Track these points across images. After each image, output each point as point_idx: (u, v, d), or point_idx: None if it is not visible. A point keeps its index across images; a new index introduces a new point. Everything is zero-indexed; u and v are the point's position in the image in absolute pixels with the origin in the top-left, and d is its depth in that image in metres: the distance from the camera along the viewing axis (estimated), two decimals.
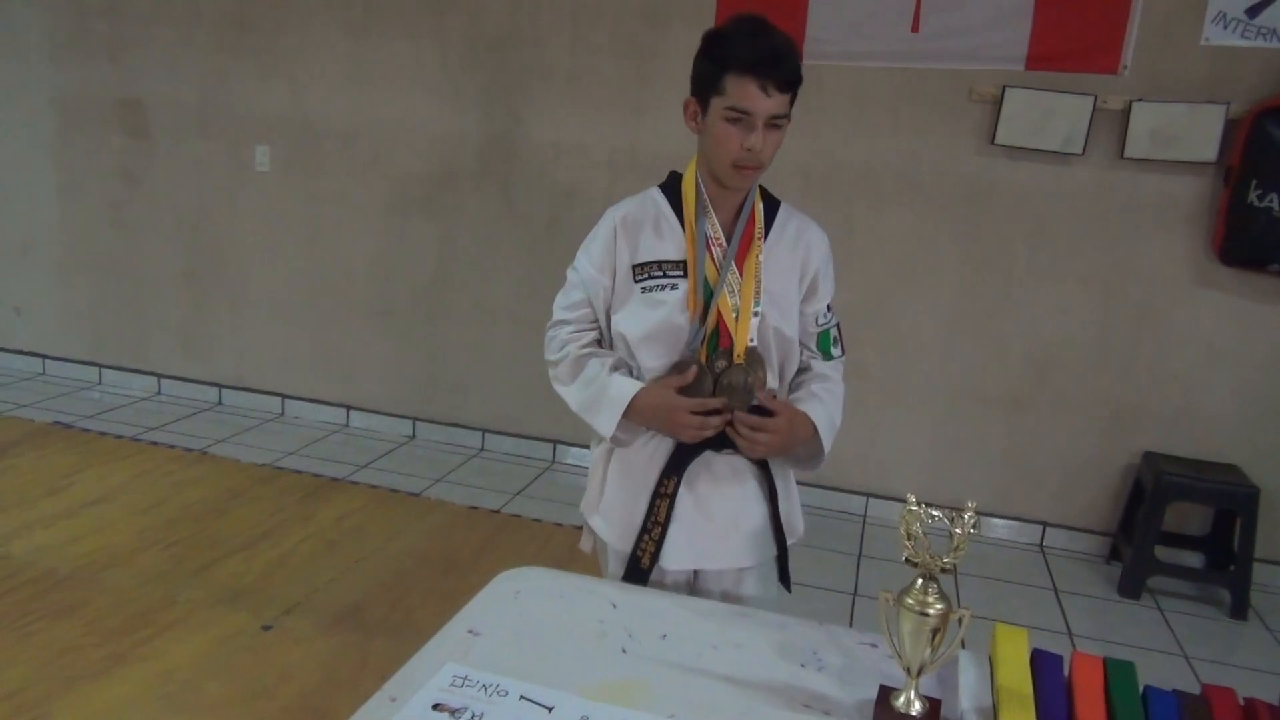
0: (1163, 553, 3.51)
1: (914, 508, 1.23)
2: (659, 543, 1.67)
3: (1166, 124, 3.42)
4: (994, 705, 1.24)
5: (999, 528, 3.88)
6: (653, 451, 1.68)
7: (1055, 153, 3.55)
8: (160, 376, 4.91)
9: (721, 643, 1.41)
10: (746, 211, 1.66)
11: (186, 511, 3.50)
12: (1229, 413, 3.59)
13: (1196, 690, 1.30)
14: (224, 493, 3.69)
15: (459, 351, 4.44)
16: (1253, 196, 3.28)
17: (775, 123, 1.54)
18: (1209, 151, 3.40)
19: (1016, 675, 1.26)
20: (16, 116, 4.84)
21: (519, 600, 1.50)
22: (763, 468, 1.71)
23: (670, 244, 1.65)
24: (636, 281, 1.65)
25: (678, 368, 1.63)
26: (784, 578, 1.80)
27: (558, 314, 1.76)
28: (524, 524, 3.66)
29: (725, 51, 1.53)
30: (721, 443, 1.64)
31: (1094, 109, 3.47)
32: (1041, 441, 3.80)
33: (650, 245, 1.65)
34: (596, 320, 1.74)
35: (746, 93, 1.51)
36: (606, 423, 1.63)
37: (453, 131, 4.24)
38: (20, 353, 5.13)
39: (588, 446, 4.35)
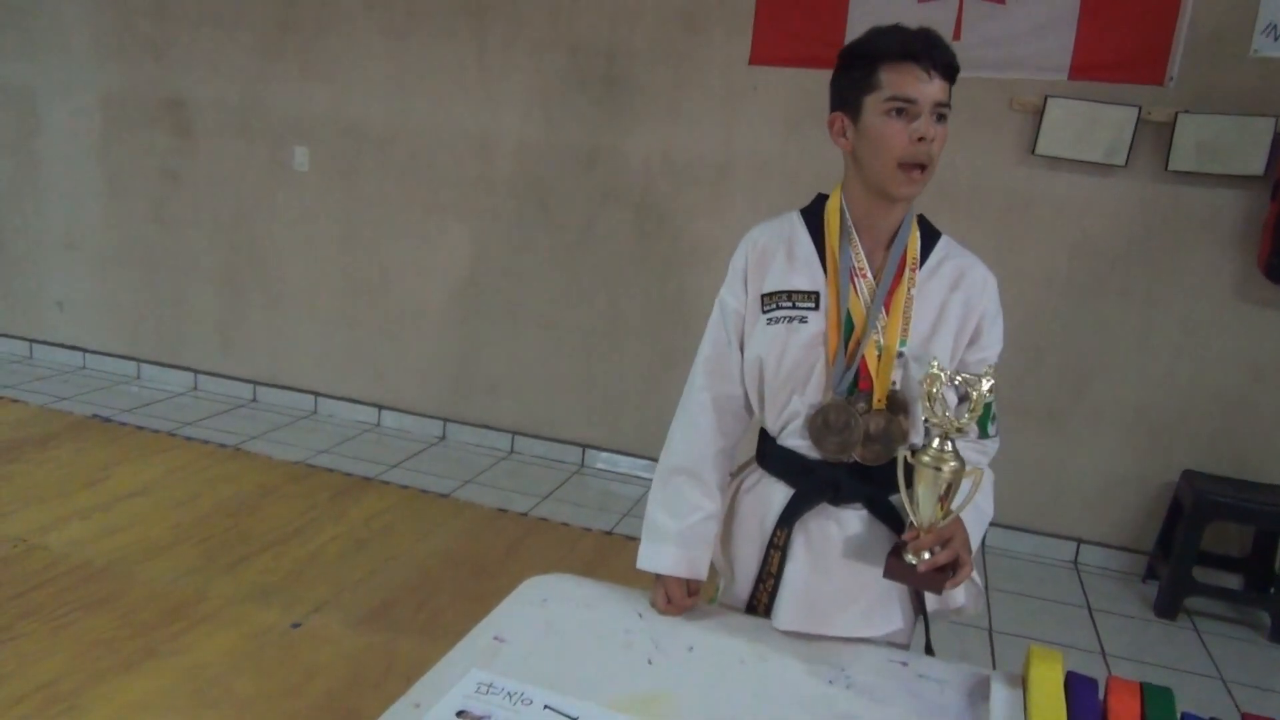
0: (1200, 573, 3.43)
1: (936, 371, 1.30)
2: (772, 595, 1.53)
3: (1213, 136, 3.35)
4: None
5: (1032, 543, 3.83)
6: (769, 500, 1.54)
7: (1098, 164, 3.50)
8: (197, 372, 4.98)
9: (749, 657, 1.40)
10: (902, 239, 1.48)
11: (220, 507, 3.54)
12: (1272, 432, 3.51)
13: (1235, 717, 1.27)
14: (256, 489, 3.73)
15: (491, 354, 4.46)
16: None
17: (941, 111, 1.39)
18: (1256, 165, 3.33)
19: (1050, 699, 1.24)
20: (63, 114, 4.94)
21: (545, 607, 1.50)
22: (897, 528, 1.47)
23: (803, 273, 1.49)
24: (764, 312, 1.49)
25: (821, 414, 1.46)
26: (928, 651, 1.55)
27: (709, 379, 1.58)
28: (552, 527, 3.67)
29: (876, 45, 1.41)
30: (839, 496, 1.49)
31: (1138, 120, 3.41)
32: (1077, 456, 3.74)
33: (781, 273, 1.50)
34: (730, 369, 1.56)
35: (907, 78, 1.37)
36: (642, 558, 1.55)
37: (490, 135, 4.26)
38: (62, 346, 5.22)
39: (617, 451, 4.36)
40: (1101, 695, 1.28)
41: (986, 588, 3.50)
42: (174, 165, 4.79)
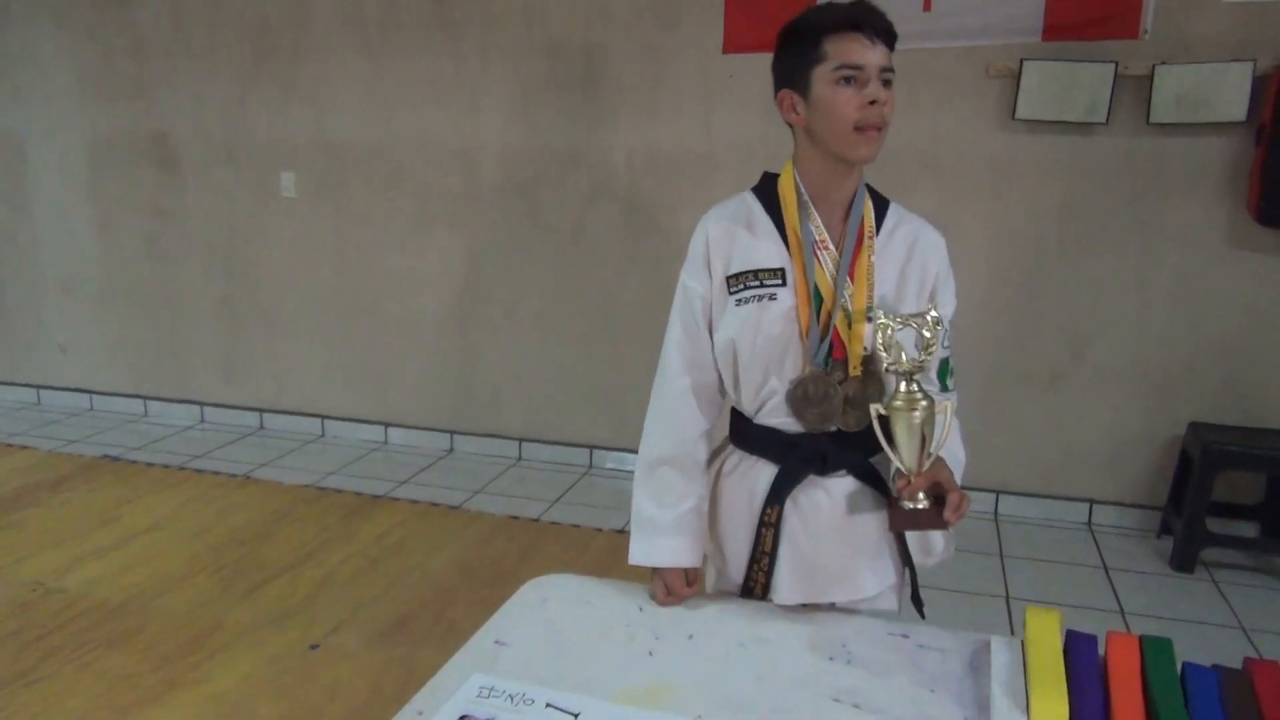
0: (1215, 524, 3.42)
1: (885, 320, 1.38)
2: (769, 573, 1.54)
3: (1193, 86, 3.34)
4: (1025, 689, 1.21)
5: (1044, 507, 3.82)
6: (755, 479, 1.56)
7: (1079, 124, 3.49)
8: (203, 405, 5.01)
9: (749, 640, 1.41)
10: (857, 209, 1.52)
11: (233, 536, 3.56)
12: (1276, 377, 3.50)
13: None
14: (268, 515, 3.75)
15: (492, 362, 4.47)
16: None
17: (886, 77, 1.42)
18: (1238, 111, 3.31)
19: (1049, 658, 1.24)
20: (50, 158, 4.97)
21: (545, 608, 1.50)
22: (881, 488, 1.54)
23: (766, 250, 1.51)
24: (732, 294, 1.51)
25: (801, 386, 1.48)
26: (915, 601, 1.65)
27: (670, 354, 1.59)
28: (564, 531, 3.68)
29: (818, 19, 1.44)
30: (825, 466, 1.52)
31: (1116, 76, 3.39)
32: (1083, 418, 3.73)
33: (744, 254, 1.51)
34: (702, 354, 1.57)
35: (853, 46, 1.40)
36: (635, 554, 1.57)
37: (473, 144, 4.27)
38: (68, 389, 5.25)
39: (624, 449, 4.35)
40: (1102, 651, 1.28)
41: (1001, 555, 3.49)
42: (164, 200, 4.82)
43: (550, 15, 4.04)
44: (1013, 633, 2.94)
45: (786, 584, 1.53)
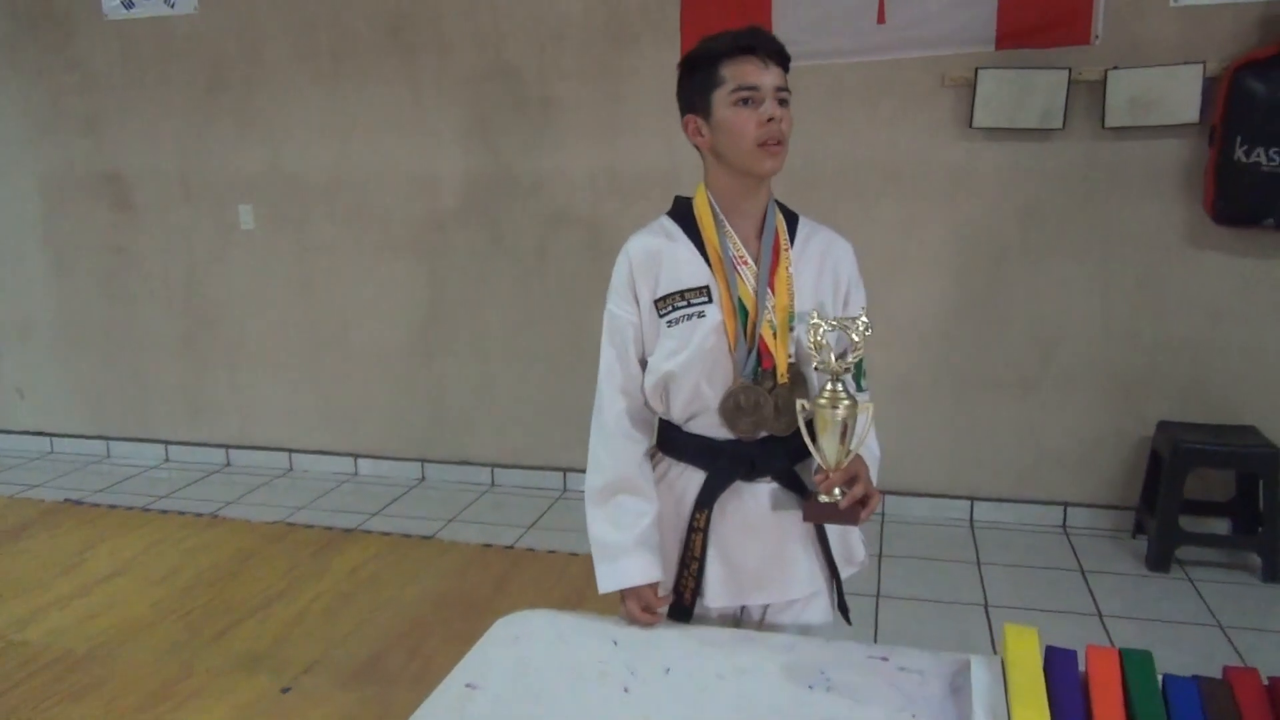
0: (1188, 522, 3.44)
1: (816, 320, 1.45)
2: (698, 578, 1.60)
3: (1145, 89, 3.38)
4: (1007, 708, 1.19)
5: (1019, 512, 3.82)
6: (684, 486, 1.62)
7: (1035, 130, 3.52)
8: (167, 443, 4.91)
9: (727, 671, 1.38)
10: (770, 224, 1.60)
11: (200, 578, 3.48)
12: (1240, 373, 3.53)
13: (1233, 663, 1.25)
14: (236, 555, 3.68)
15: (461, 388, 4.43)
16: (1239, 153, 3.23)
17: (781, 96, 1.52)
18: (1191, 113, 3.36)
19: (1029, 678, 1.22)
20: (2, 200, 4.87)
21: (518, 646, 1.47)
22: (804, 493, 1.61)
23: (690, 271, 1.57)
24: (661, 316, 1.57)
25: (733, 397, 1.54)
26: (841, 608, 1.72)
27: (605, 384, 1.65)
28: (538, 557, 3.63)
29: (715, 47, 1.53)
30: (752, 472, 1.58)
31: (1070, 82, 3.43)
32: (1053, 421, 3.75)
33: (669, 276, 1.58)
34: (632, 380, 1.63)
35: (748, 69, 1.50)
36: (603, 583, 1.58)
37: (433, 171, 4.24)
38: (27, 433, 5.14)
39: None
40: (1082, 666, 1.27)
41: (979, 563, 3.49)
42: (119, 239, 4.74)
43: (505, 40, 4.03)
44: (993, 642, 2.93)
45: (715, 587, 1.60)
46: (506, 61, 4.05)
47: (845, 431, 1.44)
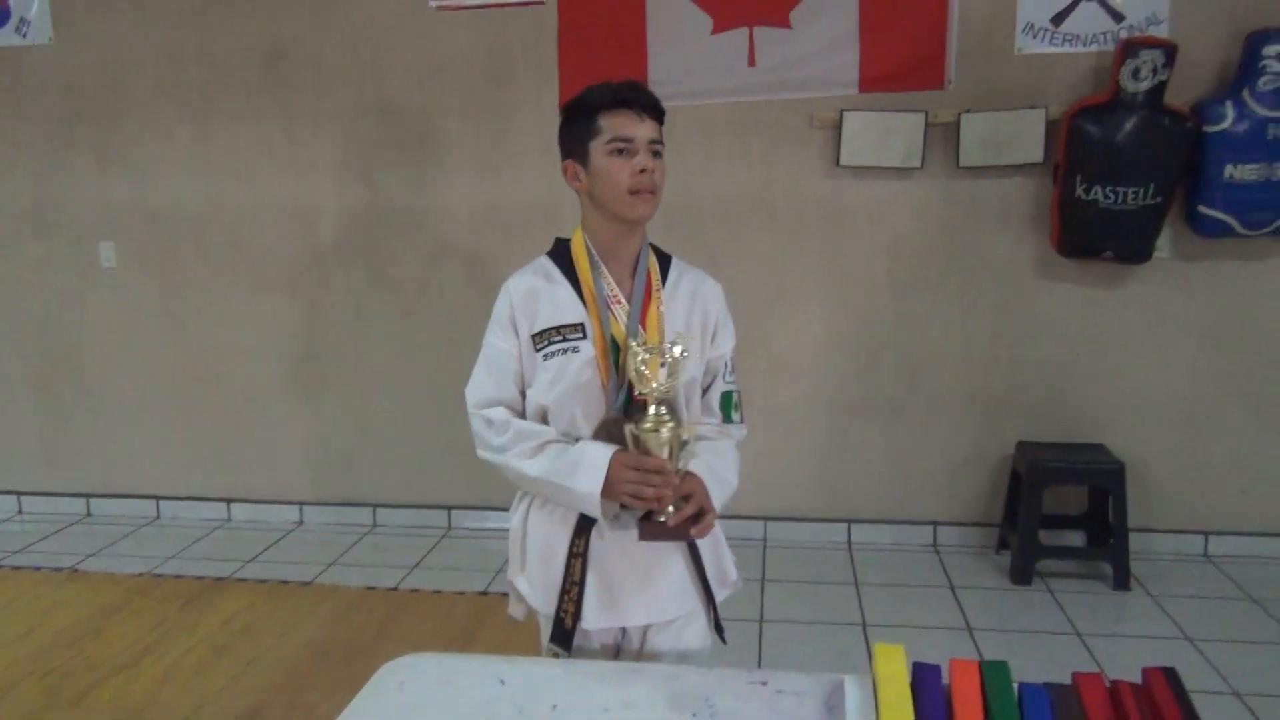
0: (1047, 536, 3.66)
1: (635, 348, 1.53)
2: (578, 602, 1.66)
3: (994, 131, 3.62)
4: None
5: (893, 533, 3.98)
6: (564, 513, 1.69)
7: (897, 168, 3.71)
8: (20, 494, 4.62)
9: (613, 704, 1.40)
10: (643, 266, 1.70)
11: (58, 637, 3.28)
12: (1089, 394, 3.79)
13: (1093, 669, 1.35)
14: (99, 610, 3.48)
15: (341, 427, 4.33)
16: (1079, 191, 3.49)
17: (655, 148, 1.62)
18: (1036, 153, 3.61)
19: (897, 695, 1.28)
20: None
21: (403, 692, 1.45)
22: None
23: (566, 308, 1.67)
24: (538, 350, 1.66)
25: (605, 428, 1.65)
26: (717, 628, 1.80)
27: (481, 401, 1.73)
28: (424, 597, 3.57)
29: (594, 98, 1.63)
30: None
31: (927, 124, 3.64)
32: (922, 444, 3.93)
33: (547, 312, 1.67)
34: (515, 399, 1.72)
35: (623, 121, 1.60)
36: (590, 480, 1.57)
37: (310, 207, 4.16)
38: None
39: (484, 508, 4.29)
40: (946, 679, 1.34)
41: (856, 584, 3.61)
42: None
43: (384, 77, 4.00)
44: (871, 659, 3.04)
45: (594, 610, 1.67)
46: (386, 97, 4.02)
47: (673, 452, 1.53)
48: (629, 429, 1.55)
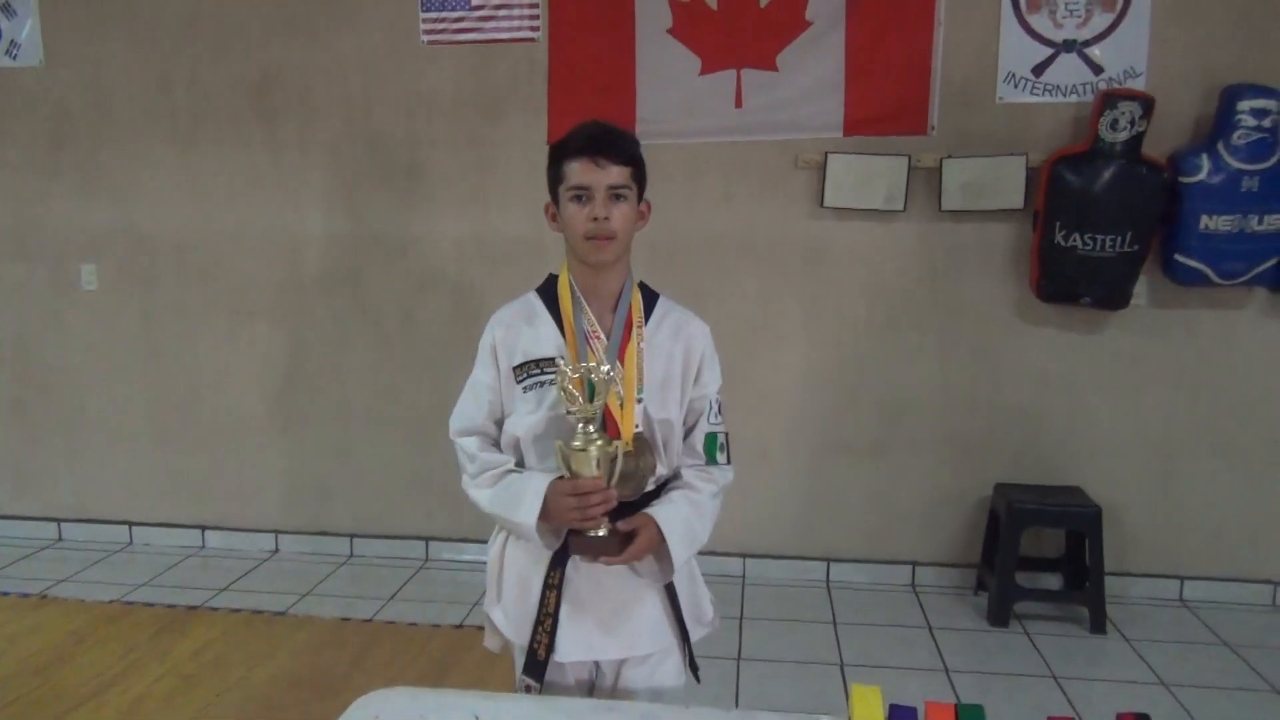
0: (1024, 578, 3.67)
1: (565, 369, 1.58)
2: (552, 634, 1.69)
3: (975, 177, 3.67)
4: None
5: (872, 572, 3.98)
6: (539, 545, 1.69)
7: (880, 211, 3.76)
8: None
9: None
10: (624, 302, 1.74)
11: (25, 664, 3.22)
12: (1066, 438, 3.82)
13: (1064, 712, 1.35)
14: (67, 637, 3.42)
15: (319, 456, 4.30)
16: (1058, 237, 3.54)
17: (616, 193, 1.66)
18: (1016, 199, 3.67)
19: None
20: None
21: None
22: (655, 556, 1.71)
23: (547, 342, 1.71)
24: (518, 383, 1.71)
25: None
26: (692, 666, 1.82)
27: (457, 429, 1.80)
28: (399, 630, 3.53)
29: (563, 146, 1.69)
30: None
31: (910, 168, 3.69)
32: (901, 484, 3.94)
33: (528, 346, 1.72)
34: (491, 431, 1.78)
35: (581, 169, 1.65)
36: (528, 512, 1.63)
37: (294, 234, 4.16)
38: None
39: (460, 540, 4.26)
40: None
41: (835, 623, 3.61)
42: None
43: (372, 107, 4.03)
44: (848, 698, 3.03)
45: (568, 642, 1.69)
46: (374, 128, 4.04)
47: (612, 470, 1.57)
48: (558, 446, 1.60)
